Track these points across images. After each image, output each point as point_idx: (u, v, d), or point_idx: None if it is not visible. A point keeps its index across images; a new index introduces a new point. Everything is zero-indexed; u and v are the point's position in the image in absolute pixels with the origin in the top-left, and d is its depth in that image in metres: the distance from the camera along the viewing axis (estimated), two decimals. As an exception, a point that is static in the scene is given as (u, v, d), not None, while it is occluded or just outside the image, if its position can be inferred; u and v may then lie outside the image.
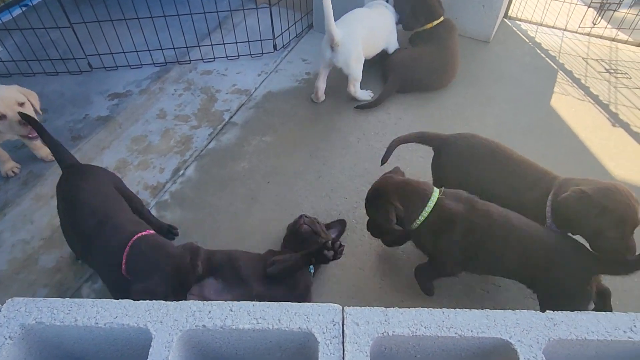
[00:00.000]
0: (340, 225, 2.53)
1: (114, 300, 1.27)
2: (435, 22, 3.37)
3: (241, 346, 1.29)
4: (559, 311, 1.23)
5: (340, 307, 1.27)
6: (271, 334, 1.23)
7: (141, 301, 1.26)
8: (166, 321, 1.21)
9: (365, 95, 3.31)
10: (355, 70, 3.12)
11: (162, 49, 3.50)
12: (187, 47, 3.55)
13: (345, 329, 1.19)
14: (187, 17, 3.38)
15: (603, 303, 2.03)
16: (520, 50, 3.81)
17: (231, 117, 3.23)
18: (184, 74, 3.54)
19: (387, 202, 1.96)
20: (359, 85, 3.23)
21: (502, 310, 1.24)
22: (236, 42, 3.57)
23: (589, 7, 4.03)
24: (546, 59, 3.72)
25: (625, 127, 3.14)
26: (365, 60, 3.16)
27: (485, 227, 1.91)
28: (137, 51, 3.47)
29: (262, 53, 3.66)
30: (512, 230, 1.91)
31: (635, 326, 1.20)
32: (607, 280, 2.04)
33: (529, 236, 1.90)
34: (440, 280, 2.26)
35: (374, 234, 2.26)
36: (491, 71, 3.61)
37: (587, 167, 2.89)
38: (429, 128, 3.09)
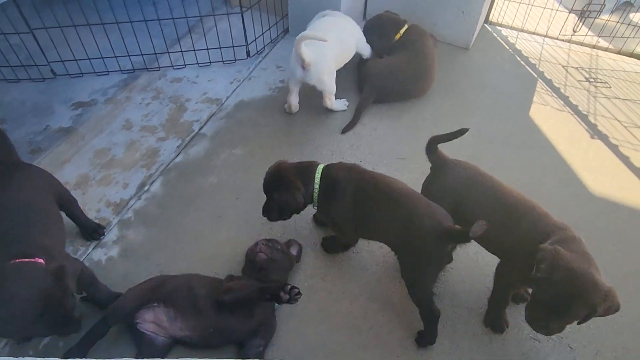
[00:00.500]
0: (298, 243, 2.43)
1: None
2: (402, 31, 3.29)
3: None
4: None
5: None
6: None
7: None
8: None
9: (342, 105, 3.21)
10: (329, 85, 3.03)
11: (129, 55, 3.35)
12: (155, 54, 3.40)
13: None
14: (155, 22, 3.23)
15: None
16: (500, 57, 3.73)
17: (201, 128, 3.10)
18: (153, 82, 3.40)
19: (289, 183, 2.07)
20: (334, 97, 3.12)
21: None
22: (207, 49, 3.44)
23: (570, 13, 3.96)
24: (526, 66, 3.65)
25: (604, 139, 3.09)
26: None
27: (363, 190, 2.07)
28: (102, 57, 3.31)
29: (235, 60, 3.53)
30: (385, 194, 2.02)
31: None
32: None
33: (397, 201, 1.99)
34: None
35: (272, 217, 2.25)
36: (470, 79, 3.52)
37: (565, 181, 2.83)
38: (405, 139, 3.05)
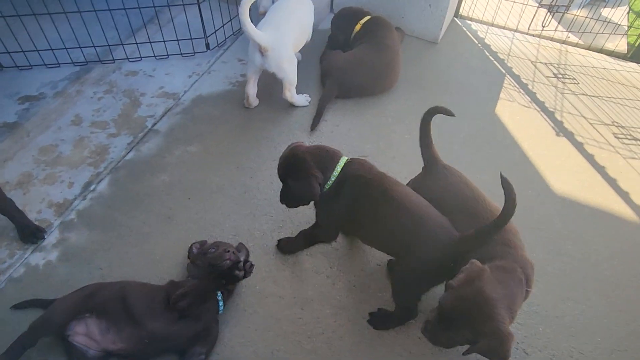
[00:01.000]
0: (246, 247, 2.32)
1: None
2: (362, 21, 3.20)
3: None
4: None
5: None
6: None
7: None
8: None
9: (304, 100, 3.10)
10: (290, 74, 2.90)
11: (80, 47, 3.18)
12: (109, 46, 3.24)
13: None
14: (106, 13, 3.06)
15: None
16: (469, 53, 3.65)
17: (155, 124, 2.96)
18: (107, 75, 3.24)
19: (307, 173, 1.87)
20: (294, 90, 3.00)
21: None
22: (164, 41, 3.28)
23: (539, 7, 3.90)
24: (494, 62, 3.58)
25: (569, 136, 3.03)
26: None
27: (375, 194, 1.91)
28: (52, 49, 3.14)
29: (194, 52, 3.39)
30: (394, 201, 1.88)
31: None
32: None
33: (406, 211, 1.86)
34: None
35: (290, 205, 2.09)
36: (437, 75, 3.44)
37: (528, 179, 2.77)
38: (367, 136, 2.96)
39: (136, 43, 3.28)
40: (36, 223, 2.39)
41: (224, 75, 3.32)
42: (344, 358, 2.02)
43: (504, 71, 3.49)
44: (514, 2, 3.85)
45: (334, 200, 1.98)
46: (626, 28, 3.90)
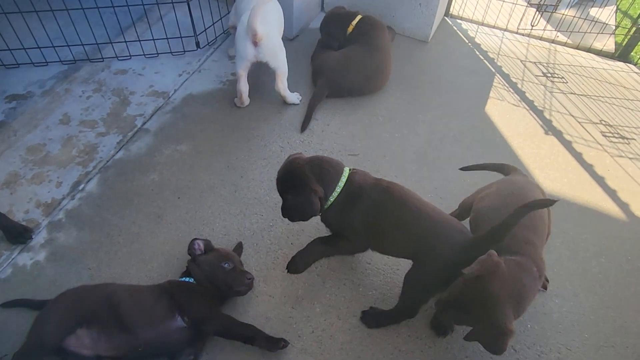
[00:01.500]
0: (241, 247, 2.33)
1: None
2: (354, 22, 3.20)
3: None
4: None
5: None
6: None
7: None
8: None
9: (295, 98, 3.09)
10: (284, 63, 2.90)
11: (69, 46, 3.15)
12: (97, 44, 3.21)
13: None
14: (94, 11, 3.03)
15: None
16: (459, 52, 3.66)
17: (144, 123, 2.94)
18: (95, 74, 3.21)
19: (307, 188, 1.78)
20: (286, 82, 2.99)
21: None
22: (154, 39, 3.26)
23: (528, 6, 3.93)
24: (484, 61, 3.60)
25: (558, 135, 3.06)
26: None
27: (384, 203, 1.87)
28: (39, 47, 3.11)
29: (185, 51, 3.37)
30: (406, 209, 1.85)
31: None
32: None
33: (417, 217, 1.84)
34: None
35: (293, 219, 2.00)
36: (427, 74, 3.45)
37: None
38: (358, 135, 2.96)
39: (125, 41, 3.25)
40: (23, 223, 2.37)
41: (215, 74, 3.30)
42: (334, 357, 2.02)
43: (493, 70, 3.51)
44: (504, 1, 3.88)
45: (348, 211, 1.91)
46: (614, 27, 3.94)
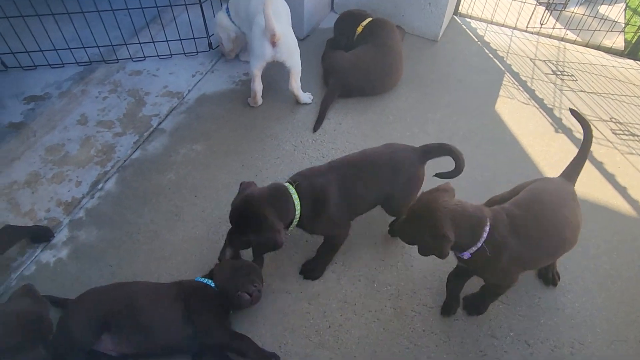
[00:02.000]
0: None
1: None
2: (364, 23, 3.24)
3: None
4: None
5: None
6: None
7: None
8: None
9: (307, 98, 3.13)
10: (298, 62, 2.95)
11: (84, 47, 3.21)
12: (112, 46, 3.26)
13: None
14: (109, 13, 3.09)
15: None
16: (468, 50, 3.69)
17: (160, 123, 3.00)
18: (111, 75, 3.27)
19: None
20: (299, 81, 3.04)
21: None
22: (167, 40, 3.31)
23: (537, 4, 3.95)
24: (494, 59, 3.62)
25: (568, 133, 3.09)
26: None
27: (345, 176, 2.11)
28: (56, 49, 3.16)
29: (197, 52, 3.42)
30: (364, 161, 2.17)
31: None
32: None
33: (375, 159, 2.21)
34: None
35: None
36: (437, 73, 3.48)
37: (528, 175, 2.79)
38: (369, 134, 3.00)
39: (139, 43, 3.30)
40: (45, 222, 2.43)
41: (227, 75, 3.35)
42: (351, 351, 2.07)
43: (503, 68, 3.54)
44: (513, -1, 3.90)
45: (325, 212, 2.06)
46: (623, 25, 3.95)
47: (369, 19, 3.26)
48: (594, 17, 3.77)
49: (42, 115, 2.96)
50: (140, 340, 1.88)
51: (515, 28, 3.91)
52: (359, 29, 3.24)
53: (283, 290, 2.26)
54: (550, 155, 2.93)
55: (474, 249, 1.81)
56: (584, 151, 2.19)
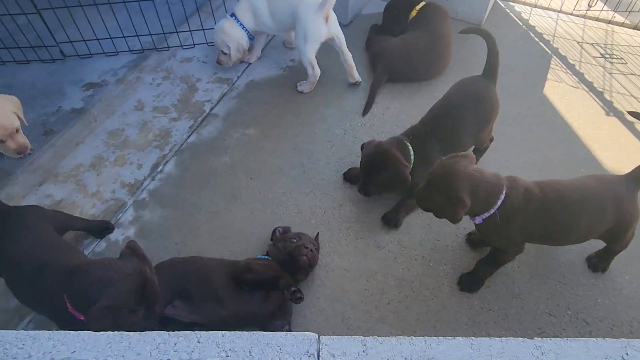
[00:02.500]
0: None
1: (73, 332, 1.18)
2: (418, 7, 3.25)
3: (211, 377, 1.22)
4: (548, 338, 1.16)
5: (316, 336, 1.19)
6: (242, 367, 1.15)
7: (102, 333, 1.17)
8: (128, 355, 1.13)
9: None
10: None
11: (137, 35, 3.31)
12: (164, 33, 3.36)
13: (320, 360, 1.12)
14: (162, 2, 3.18)
15: None
16: (513, 34, 3.66)
17: (212, 108, 3.09)
18: (163, 62, 3.37)
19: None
20: None
21: (488, 338, 1.17)
22: (216, 28, 3.38)
23: (585, -13, 3.88)
24: (540, 43, 3.59)
25: (619, 116, 3.05)
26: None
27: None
28: (111, 38, 3.28)
29: (245, 38, 3.48)
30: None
31: (627, 354, 1.14)
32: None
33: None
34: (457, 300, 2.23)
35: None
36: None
37: (579, 158, 2.81)
38: (417, 118, 3.00)
39: (190, 30, 3.39)
40: (112, 202, 2.56)
41: (274, 60, 3.42)
42: (411, 326, 2.13)
43: (550, 52, 3.51)
44: (558, -18, 3.84)
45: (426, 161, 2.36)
46: (673, 6, 3.85)
47: (423, 3, 3.26)
48: (644, -2, 3.69)
49: (101, 102, 3.09)
50: (211, 311, 1.99)
51: (560, 11, 3.86)
52: (413, 13, 3.25)
53: (342, 268, 2.33)
54: (601, 138, 2.91)
55: (487, 215, 1.89)
56: None
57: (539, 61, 3.44)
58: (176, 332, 1.19)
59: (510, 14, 3.86)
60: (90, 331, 1.18)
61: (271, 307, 2.04)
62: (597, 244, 2.22)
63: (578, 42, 3.59)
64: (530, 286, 2.24)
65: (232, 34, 3.06)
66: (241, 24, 3.06)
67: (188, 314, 1.99)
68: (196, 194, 2.63)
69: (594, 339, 1.18)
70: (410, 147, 2.41)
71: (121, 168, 2.74)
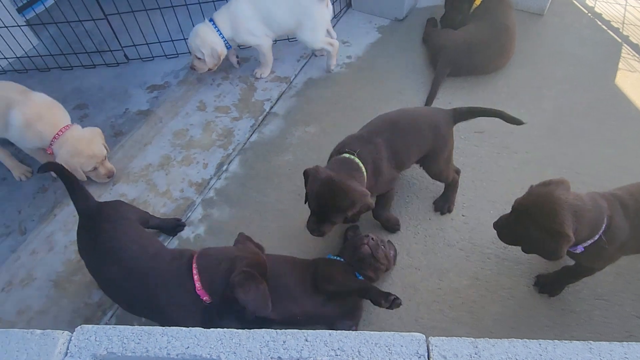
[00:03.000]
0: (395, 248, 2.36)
1: (184, 328, 1.21)
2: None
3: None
4: (673, 344, 1.10)
5: (424, 337, 1.18)
6: (350, 367, 1.15)
7: (212, 329, 1.20)
8: (239, 352, 1.15)
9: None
10: None
11: (196, 38, 3.38)
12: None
13: (431, 362, 1.11)
14: (222, 3, 3.22)
15: None
16: (578, 23, 3.50)
17: (272, 107, 3.12)
18: (221, 63, 3.42)
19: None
20: None
21: (608, 342, 1.12)
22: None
23: (656, -30, 3.66)
24: (608, 31, 3.41)
25: (701, 106, 2.87)
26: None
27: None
28: (172, 40, 3.37)
29: (300, 37, 3.50)
30: None
31: None
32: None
33: None
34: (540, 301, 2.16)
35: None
36: (547, 48, 3.34)
37: (659, 152, 2.66)
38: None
39: (247, 30, 3.43)
40: (181, 201, 2.63)
41: (331, 58, 3.41)
42: (488, 327, 2.08)
43: (620, 40, 3.33)
44: (626, -34, 3.64)
45: (379, 172, 2.14)
46: None
47: None
48: None
49: (165, 103, 3.18)
50: (282, 307, 2.00)
51: (628, -4, 3.66)
52: (477, 2, 3.16)
53: (412, 266, 2.30)
54: (683, 130, 2.75)
55: (590, 242, 1.73)
56: None
57: (608, 50, 3.27)
58: (283, 330, 1.21)
59: (574, 1, 3.69)
60: (200, 328, 1.22)
61: (344, 308, 2.05)
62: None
63: (650, 29, 3.40)
64: (615, 287, 2.14)
65: (206, 39, 2.92)
66: (219, 30, 2.96)
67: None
68: (262, 193, 2.66)
69: None
70: (360, 163, 2.09)
71: (188, 168, 2.81)
